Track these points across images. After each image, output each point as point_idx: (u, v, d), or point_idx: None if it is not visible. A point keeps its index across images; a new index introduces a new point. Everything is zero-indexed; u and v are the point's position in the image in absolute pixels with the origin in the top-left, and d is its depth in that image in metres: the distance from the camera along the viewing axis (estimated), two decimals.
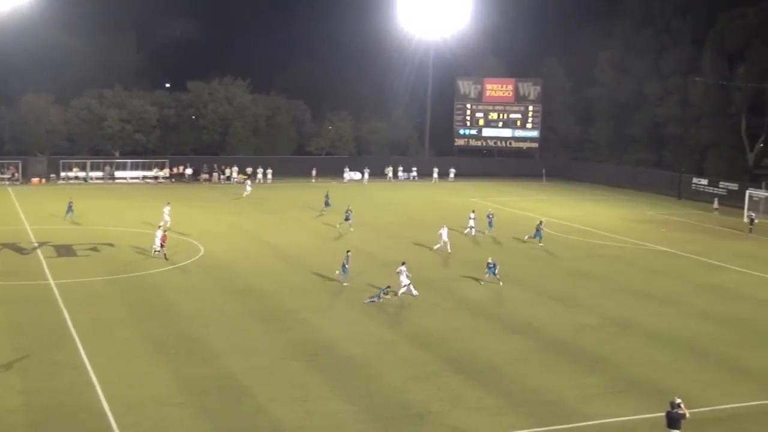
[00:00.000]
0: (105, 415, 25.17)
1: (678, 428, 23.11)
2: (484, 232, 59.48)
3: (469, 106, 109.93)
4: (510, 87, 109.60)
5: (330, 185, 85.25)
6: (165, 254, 47.99)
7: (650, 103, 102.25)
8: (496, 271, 43.41)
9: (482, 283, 43.80)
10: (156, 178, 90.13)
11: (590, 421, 25.91)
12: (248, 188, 79.08)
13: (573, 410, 26.70)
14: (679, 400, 23.61)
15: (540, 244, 55.24)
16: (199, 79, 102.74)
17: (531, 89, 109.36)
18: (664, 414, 23.55)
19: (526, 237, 56.79)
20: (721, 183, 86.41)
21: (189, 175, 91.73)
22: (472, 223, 59.05)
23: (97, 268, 45.36)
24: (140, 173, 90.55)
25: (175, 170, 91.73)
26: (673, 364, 31.78)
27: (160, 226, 53.12)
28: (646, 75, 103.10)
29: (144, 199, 74.52)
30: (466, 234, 58.18)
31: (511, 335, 34.85)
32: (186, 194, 78.59)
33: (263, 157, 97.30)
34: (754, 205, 71.81)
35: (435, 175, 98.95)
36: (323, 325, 35.39)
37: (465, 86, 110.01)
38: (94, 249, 50.42)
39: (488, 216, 60.81)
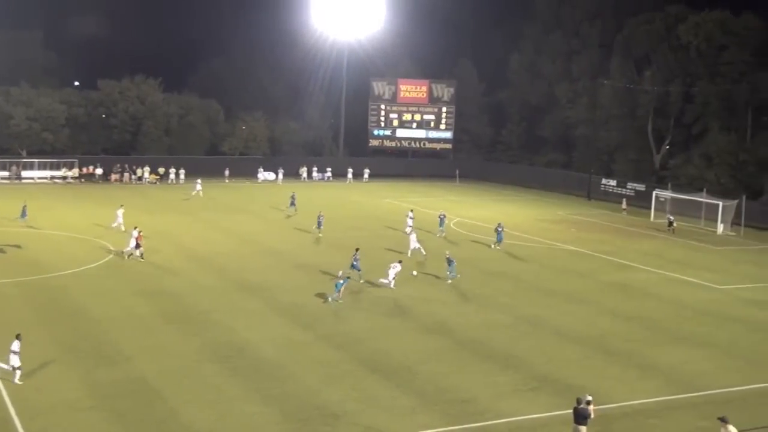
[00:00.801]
0: (11, 420, 24.54)
1: (585, 424, 23.60)
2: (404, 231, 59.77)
3: (383, 107, 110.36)
4: (424, 88, 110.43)
5: (244, 185, 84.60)
6: (142, 254, 47.65)
7: (561, 105, 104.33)
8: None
9: (450, 280, 44.80)
10: (65, 178, 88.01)
11: (503, 418, 26.25)
12: (198, 187, 77.97)
13: (486, 408, 27.03)
14: (589, 398, 24.11)
15: (498, 247, 55.54)
16: (110, 77, 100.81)
17: (444, 91, 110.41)
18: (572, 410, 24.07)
19: (492, 245, 56.35)
20: (629, 184, 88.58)
21: (99, 175, 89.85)
22: (410, 222, 59.10)
23: (2, 270, 44.06)
24: (48, 173, 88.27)
25: (84, 170, 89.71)
26: (582, 362, 32.43)
27: (114, 227, 54.19)
28: (556, 77, 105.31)
29: (52, 199, 72.82)
30: (407, 233, 57.96)
31: (426, 335, 35.09)
32: (96, 195, 77.06)
33: (176, 157, 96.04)
34: (661, 205, 73.79)
35: (350, 175, 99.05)
36: (237, 327, 35.10)
37: (379, 87, 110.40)
38: (0, 250, 49.01)
39: (440, 216, 61.73)
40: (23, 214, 58.22)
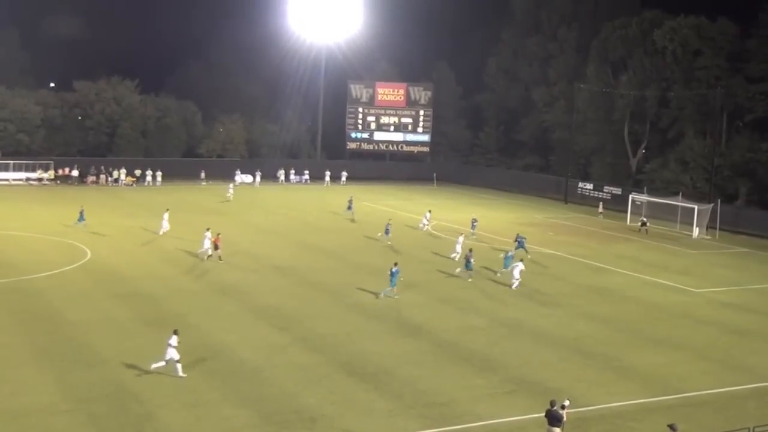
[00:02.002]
0: None
1: (558, 426, 23.67)
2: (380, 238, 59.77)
3: (361, 109, 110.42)
4: (401, 91, 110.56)
5: (222, 188, 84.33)
6: (220, 256, 48.58)
7: (538, 108, 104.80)
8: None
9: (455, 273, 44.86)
10: (40, 179, 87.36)
11: (480, 421, 26.29)
12: (230, 191, 79.43)
13: (464, 411, 27.06)
14: (567, 402, 24.17)
15: (528, 256, 53.82)
16: (86, 78, 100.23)
17: (422, 94, 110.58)
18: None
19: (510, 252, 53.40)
20: (605, 187, 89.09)
21: (75, 177, 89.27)
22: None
23: None
24: (23, 174, 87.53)
25: (60, 172, 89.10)
26: (559, 364, 32.55)
27: (161, 233, 55.94)
28: (533, 81, 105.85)
29: (27, 201, 72.28)
30: (379, 237, 58.16)
31: (403, 338, 35.09)
32: (72, 197, 76.47)
33: (152, 159, 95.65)
34: (637, 208, 74.32)
35: (327, 178, 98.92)
36: (214, 329, 34.96)
37: (357, 90, 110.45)
38: None
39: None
40: (81, 218, 58.31)
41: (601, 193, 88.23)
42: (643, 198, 75.14)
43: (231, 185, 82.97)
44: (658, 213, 71.18)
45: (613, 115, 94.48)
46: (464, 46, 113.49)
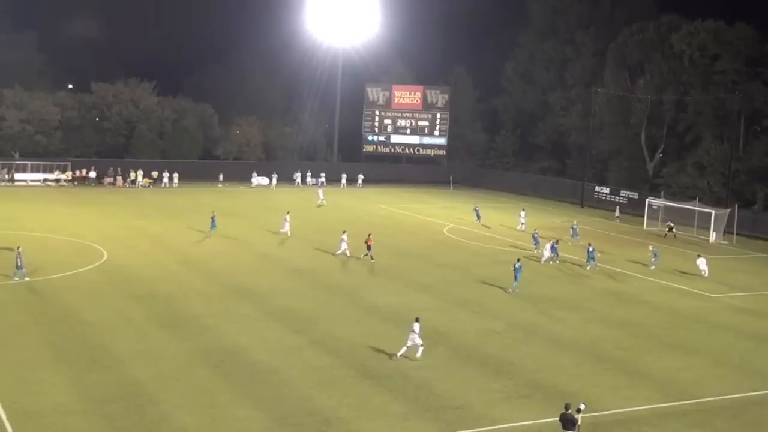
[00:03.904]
0: (2, 424, 24.43)
1: (572, 429, 23.62)
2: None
3: (377, 112, 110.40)
4: (418, 94, 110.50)
5: (238, 190, 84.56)
6: (372, 256, 51.06)
7: (555, 112, 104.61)
8: None
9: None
10: (58, 181, 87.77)
11: (495, 425, 26.27)
12: (321, 195, 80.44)
13: (479, 415, 27.03)
14: (582, 406, 24.13)
15: (596, 267, 53.81)
16: (104, 80, 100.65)
17: (439, 97, 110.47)
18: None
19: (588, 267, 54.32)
20: (622, 192, 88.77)
21: (92, 178, 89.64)
22: (522, 221, 64.02)
23: None
24: (41, 176, 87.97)
25: (78, 173, 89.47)
26: (575, 369, 32.46)
27: (281, 233, 59.21)
28: (550, 85, 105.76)
29: (45, 203, 72.64)
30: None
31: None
32: (89, 198, 76.93)
33: (169, 161, 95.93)
34: (654, 212, 74.07)
35: (343, 180, 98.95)
36: (229, 331, 35.04)
37: (374, 93, 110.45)
38: None
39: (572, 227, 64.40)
40: (213, 224, 58.54)
41: (617, 198, 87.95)
42: (660, 202, 74.85)
43: (321, 191, 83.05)
44: (674, 217, 70.80)
45: (630, 120, 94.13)
46: (481, 49, 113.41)
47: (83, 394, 27.14)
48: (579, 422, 23.70)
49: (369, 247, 51.58)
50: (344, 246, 52.25)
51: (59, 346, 31.92)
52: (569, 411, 23.74)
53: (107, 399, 26.72)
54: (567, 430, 23.67)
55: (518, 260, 46.79)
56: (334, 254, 52.43)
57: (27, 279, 42.29)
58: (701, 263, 52.75)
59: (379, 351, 33.21)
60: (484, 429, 25.99)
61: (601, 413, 27.32)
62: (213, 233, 57.89)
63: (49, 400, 26.40)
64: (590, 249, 53.79)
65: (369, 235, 52.72)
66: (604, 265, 54.42)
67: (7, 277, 42.18)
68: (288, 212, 61.19)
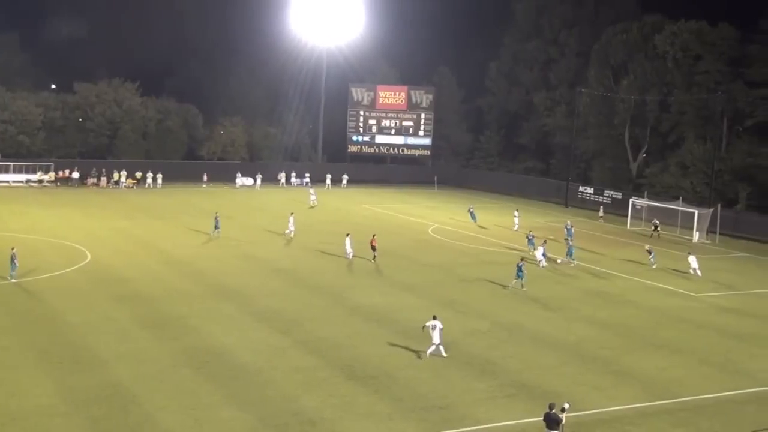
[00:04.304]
0: None
1: (557, 429, 23.67)
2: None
3: (362, 113, 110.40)
4: (403, 95, 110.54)
5: (223, 190, 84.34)
6: (375, 257, 51.18)
7: (539, 113, 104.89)
8: None
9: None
10: (41, 181, 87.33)
11: (480, 425, 26.29)
12: (312, 196, 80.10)
13: (463, 415, 27.05)
14: (566, 406, 24.19)
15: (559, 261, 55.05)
16: (87, 80, 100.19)
17: (423, 97, 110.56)
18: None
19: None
20: (605, 191, 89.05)
21: (76, 179, 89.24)
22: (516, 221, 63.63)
23: None
24: (24, 176, 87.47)
25: (61, 174, 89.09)
26: (559, 368, 32.52)
27: (286, 234, 59.41)
28: (534, 85, 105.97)
29: (28, 203, 72.28)
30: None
31: (403, 341, 35.02)
32: (73, 199, 76.61)
33: (153, 162, 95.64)
34: (637, 212, 74.37)
35: (328, 181, 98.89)
36: (214, 332, 34.95)
37: (358, 93, 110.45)
38: None
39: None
40: (216, 225, 58.36)
41: (601, 197, 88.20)
42: (644, 202, 75.14)
43: (312, 190, 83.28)
44: (658, 217, 71.00)
45: (613, 120, 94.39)
46: (466, 49, 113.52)
47: (66, 395, 27.01)
48: (563, 422, 23.75)
49: (374, 248, 51.61)
50: (348, 249, 52.22)
51: (42, 348, 31.76)
52: (553, 410, 23.79)
53: (91, 400, 26.60)
54: (551, 429, 23.72)
55: (522, 260, 47.71)
56: (347, 259, 52.07)
57: (13, 281, 42.09)
58: (692, 261, 52.99)
59: (362, 351, 33.19)
60: (469, 429, 26.01)
61: (585, 413, 27.38)
62: (218, 234, 57.90)
63: (31, 402, 26.25)
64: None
65: (374, 235, 52.76)
66: (589, 265, 54.61)
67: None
68: (292, 213, 61.53)
